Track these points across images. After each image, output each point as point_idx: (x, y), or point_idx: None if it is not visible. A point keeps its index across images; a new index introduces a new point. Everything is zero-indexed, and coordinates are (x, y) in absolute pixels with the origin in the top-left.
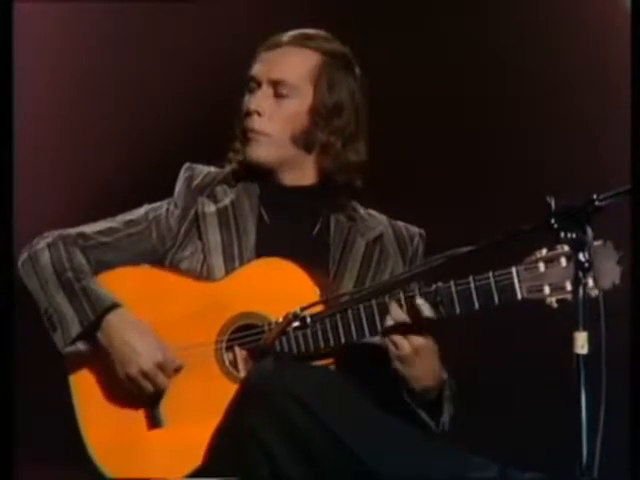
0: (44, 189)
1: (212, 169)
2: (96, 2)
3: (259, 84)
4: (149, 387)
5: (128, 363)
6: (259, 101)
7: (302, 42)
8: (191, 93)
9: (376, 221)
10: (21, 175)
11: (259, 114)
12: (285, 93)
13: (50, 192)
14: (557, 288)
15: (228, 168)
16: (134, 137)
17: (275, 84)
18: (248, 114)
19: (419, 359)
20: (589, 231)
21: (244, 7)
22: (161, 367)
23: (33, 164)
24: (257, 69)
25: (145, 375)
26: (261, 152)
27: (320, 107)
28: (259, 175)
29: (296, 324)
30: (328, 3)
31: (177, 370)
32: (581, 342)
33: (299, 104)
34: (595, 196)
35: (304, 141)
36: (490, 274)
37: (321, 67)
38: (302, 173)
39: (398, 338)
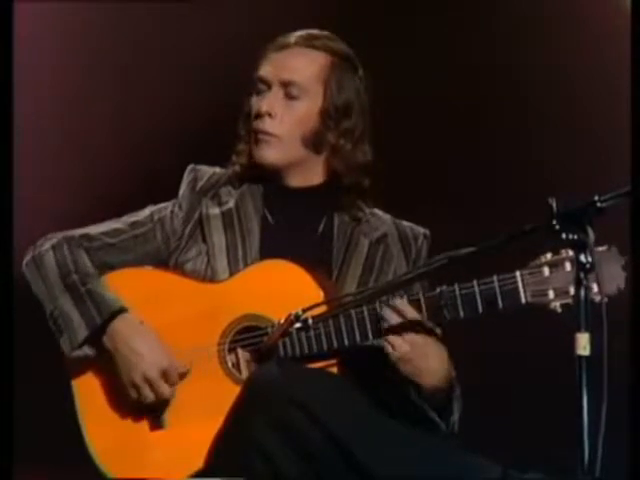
0: (44, 189)
1: (217, 170)
2: (96, 2)
3: (269, 85)
4: (150, 395)
5: (132, 369)
6: (270, 103)
7: (310, 43)
8: (193, 93)
9: (380, 221)
10: (21, 175)
11: (270, 116)
12: (296, 95)
13: (50, 192)
14: (561, 293)
15: (232, 170)
16: (135, 138)
17: (286, 85)
18: (259, 116)
19: (421, 357)
20: (590, 232)
21: (245, 7)
22: (165, 375)
23: (33, 164)
24: (267, 70)
25: (148, 382)
26: (271, 154)
27: (330, 108)
28: (264, 176)
29: (298, 325)
30: (328, 3)
31: (182, 377)
32: (583, 343)
33: (310, 105)
34: (597, 197)
35: (314, 142)
36: (494, 278)
37: (330, 68)
38: (309, 174)
39: (394, 338)
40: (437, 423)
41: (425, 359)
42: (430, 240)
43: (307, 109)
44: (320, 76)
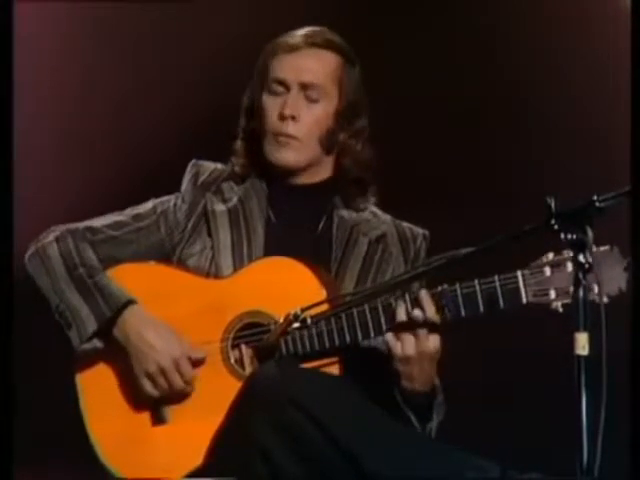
0: (44, 189)
1: (218, 166)
2: (96, 2)
3: (287, 87)
4: (165, 385)
5: (146, 360)
6: (293, 106)
7: (320, 42)
8: (193, 93)
9: (380, 221)
10: (21, 175)
11: (294, 119)
12: (315, 97)
13: (50, 192)
14: (563, 293)
15: (232, 169)
16: (135, 137)
17: (305, 88)
18: (283, 118)
19: (419, 362)
20: (589, 232)
21: (245, 7)
22: (178, 364)
23: (33, 164)
24: (284, 72)
25: (163, 372)
26: (292, 156)
27: (344, 108)
28: (268, 174)
29: (296, 325)
30: (328, 2)
31: (196, 364)
32: (582, 343)
33: (327, 107)
34: (596, 197)
35: (327, 142)
36: (495, 278)
37: (341, 68)
38: (315, 172)
39: (406, 338)
40: (414, 425)
41: (421, 368)
42: (429, 241)
43: (325, 110)
44: (334, 77)
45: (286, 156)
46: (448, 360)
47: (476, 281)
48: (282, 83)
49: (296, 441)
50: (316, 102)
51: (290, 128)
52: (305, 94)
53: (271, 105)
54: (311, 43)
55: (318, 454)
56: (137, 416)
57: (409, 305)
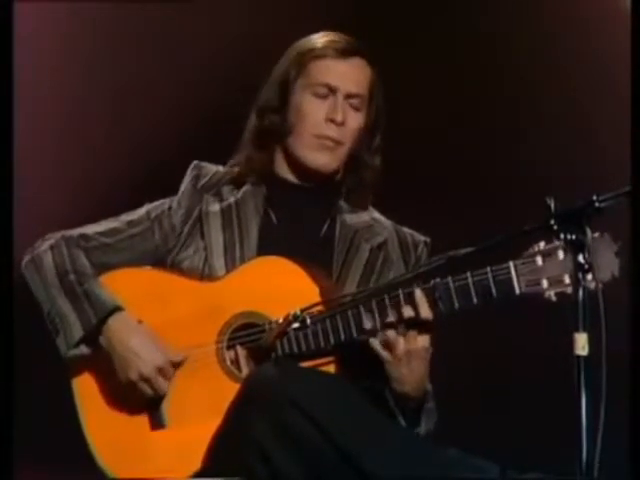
0: (44, 189)
1: (220, 169)
2: (96, 2)
3: (333, 92)
4: (148, 391)
5: (128, 367)
6: (343, 112)
7: (360, 52)
8: (193, 93)
9: (382, 227)
10: (21, 175)
11: (342, 124)
12: (358, 106)
13: (50, 192)
14: (555, 281)
15: (237, 172)
16: (135, 138)
17: (351, 97)
18: (332, 122)
19: (407, 362)
20: (589, 232)
21: (245, 7)
22: (161, 371)
23: (33, 164)
24: (334, 79)
25: (145, 379)
26: (332, 160)
27: (373, 123)
28: (270, 174)
29: (296, 325)
30: (328, 2)
31: (178, 366)
32: (581, 343)
33: (363, 117)
34: (595, 197)
35: (352, 152)
36: (488, 269)
37: (375, 81)
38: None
39: (393, 337)
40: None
41: (410, 369)
42: (430, 247)
43: (362, 121)
44: (370, 89)
45: (324, 159)
46: (447, 361)
47: (468, 273)
48: (331, 89)
49: (296, 442)
50: (358, 111)
51: (336, 132)
52: (349, 102)
53: (315, 107)
54: (356, 51)
55: (318, 454)
56: (134, 421)
57: (402, 301)
